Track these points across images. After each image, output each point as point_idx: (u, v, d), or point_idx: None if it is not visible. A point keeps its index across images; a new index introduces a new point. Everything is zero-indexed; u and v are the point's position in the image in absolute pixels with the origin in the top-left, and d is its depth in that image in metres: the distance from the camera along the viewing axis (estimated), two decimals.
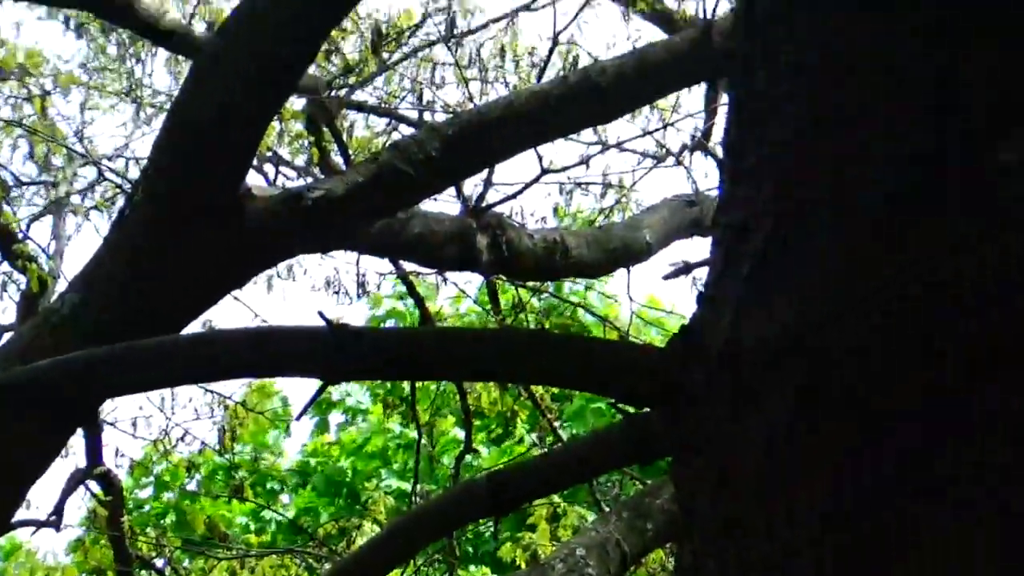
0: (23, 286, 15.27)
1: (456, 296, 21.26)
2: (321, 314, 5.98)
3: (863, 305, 5.63)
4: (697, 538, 6.20)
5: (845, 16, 5.81)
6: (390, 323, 25.91)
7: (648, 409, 6.68)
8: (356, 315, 24.83)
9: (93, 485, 14.60)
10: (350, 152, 15.08)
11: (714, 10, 14.52)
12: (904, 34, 5.66)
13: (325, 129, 15.15)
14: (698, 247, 16.94)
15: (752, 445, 5.81)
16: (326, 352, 6.38)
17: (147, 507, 24.67)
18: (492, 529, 21.25)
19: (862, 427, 5.49)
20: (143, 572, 15.87)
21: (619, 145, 16.90)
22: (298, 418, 17.64)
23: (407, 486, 22.82)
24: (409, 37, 16.23)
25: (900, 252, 5.60)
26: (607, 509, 16.16)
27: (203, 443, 20.82)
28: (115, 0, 16.11)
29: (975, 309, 5.35)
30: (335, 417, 28.90)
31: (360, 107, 16.24)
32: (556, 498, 18.59)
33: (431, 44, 16.42)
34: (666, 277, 17.84)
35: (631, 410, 7.00)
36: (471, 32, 16.34)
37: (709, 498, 6.01)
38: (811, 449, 5.62)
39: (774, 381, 5.73)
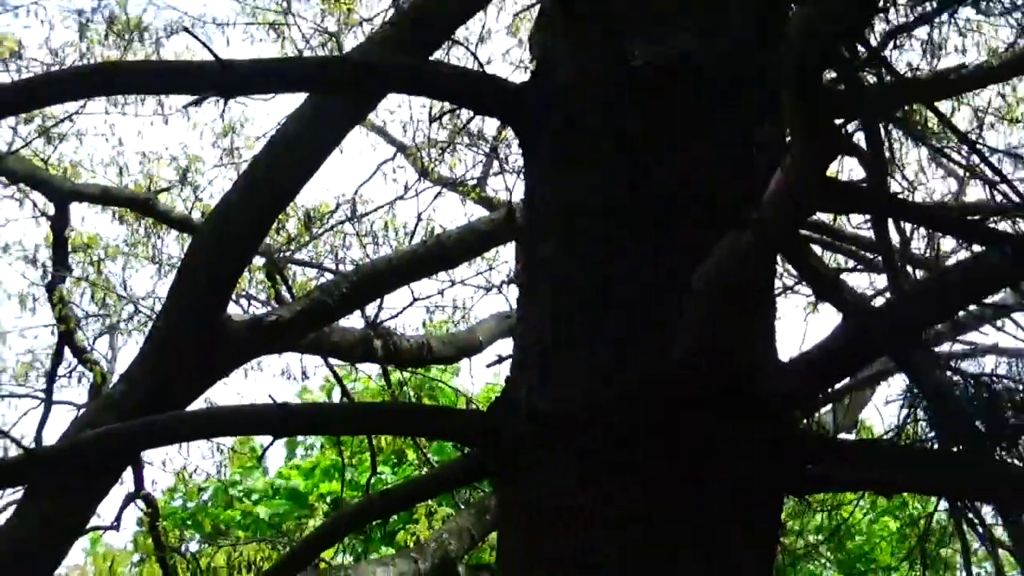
0: (91, 380, 15.20)
1: (364, 378, 20.87)
2: (271, 397, 6.60)
3: (606, 394, 6.05)
4: (508, 526, 6.65)
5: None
6: (324, 397, 25.05)
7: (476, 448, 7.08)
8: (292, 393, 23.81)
9: (139, 503, 14.30)
10: (293, 291, 15.03)
11: (511, 198, 14.91)
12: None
13: (277, 277, 15.24)
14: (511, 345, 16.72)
15: (542, 476, 6.20)
16: (274, 420, 6.85)
17: (175, 514, 23.86)
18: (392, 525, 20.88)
19: (613, 469, 5.97)
20: (175, 555, 15.47)
21: (462, 282, 17.06)
22: (260, 459, 17.61)
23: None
24: (327, 218, 16.39)
25: (630, 368, 6.09)
26: (462, 507, 16.19)
27: (207, 473, 20.62)
28: (144, 205, 16.25)
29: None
30: (300, 451, 27.80)
31: (298, 262, 16.13)
32: (432, 502, 17.96)
33: (342, 222, 16.50)
34: (489, 365, 18.30)
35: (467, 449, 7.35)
36: (366, 214, 16.42)
37: (513, 508, 6.44)
38: (582, 481, 6.05)
39: (557, 436, 6.18)
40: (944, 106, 12.83)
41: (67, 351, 15.34)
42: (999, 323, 14.41)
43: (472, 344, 15.96)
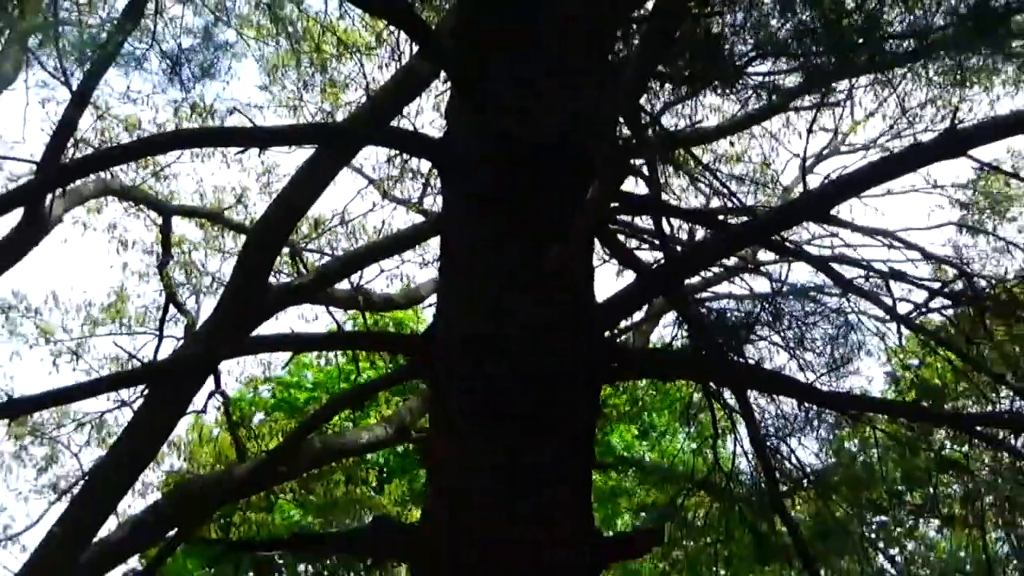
0: (185, 322, 14.90)
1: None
2: (290, 328, 6.45)
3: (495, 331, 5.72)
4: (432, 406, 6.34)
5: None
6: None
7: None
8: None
9: (218, 396, 14.10)
10: (306, 267, 14.70)
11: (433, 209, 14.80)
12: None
13: (297, 259, 15.04)
14: None
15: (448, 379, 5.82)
16: (288, 341, 6.63)
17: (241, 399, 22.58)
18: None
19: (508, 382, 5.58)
20: (239, 428, 15.31)
21: (409, 261, 17.16)
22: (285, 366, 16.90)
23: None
24: (327, 223, 16.42)
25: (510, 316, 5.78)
26: (410, 396, 15.79)
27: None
28: (216, 216, 16.59)
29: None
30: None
31: (309, 250, 15.69)
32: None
33: (335, 226, 16.25)
34: (425, 307, 17.90)
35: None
36: (350, 221, 16.06)
37: (436, 408, 6.06)
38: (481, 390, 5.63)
39: (465, 355, 5.87)
40: (697, 150, 13.03)
41: (171, 306, 15.19)
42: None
43: (417, 297, 15.49)
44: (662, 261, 7.72)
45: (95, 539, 11.26)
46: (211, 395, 13.97)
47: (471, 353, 5.79)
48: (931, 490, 12.66)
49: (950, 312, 8.87)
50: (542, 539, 5.33)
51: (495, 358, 5.71)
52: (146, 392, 11.46)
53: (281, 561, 20.92)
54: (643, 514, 15.84)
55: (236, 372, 25.17)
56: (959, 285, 8.73)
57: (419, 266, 16.74)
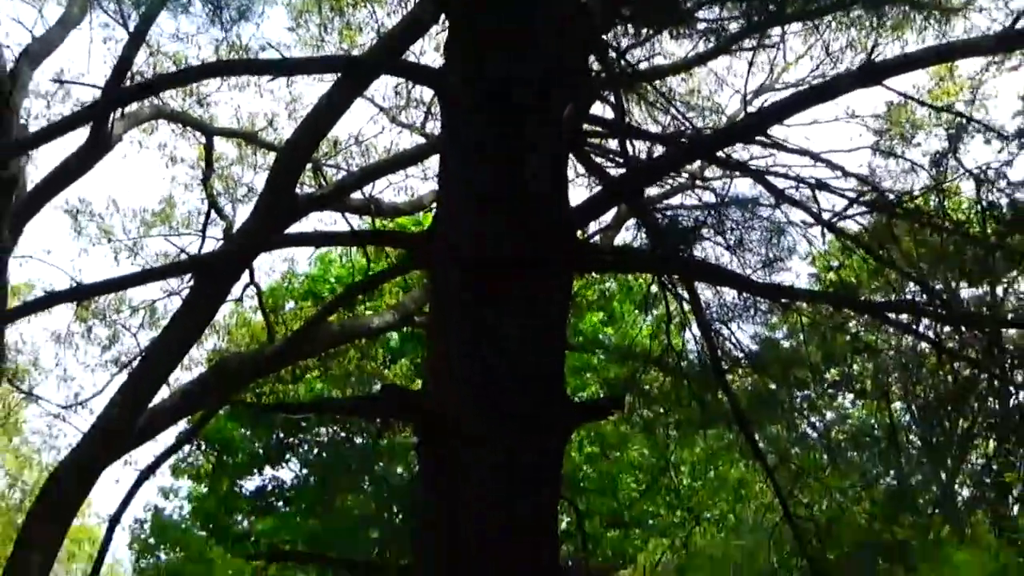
0: (224, 225, 15.14)
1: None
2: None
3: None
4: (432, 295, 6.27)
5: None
6: None
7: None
8: None
9: (252, 288, 14.55)
10: (327, 180, 14.80)
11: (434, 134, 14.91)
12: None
13: (319, 173, 15.11)
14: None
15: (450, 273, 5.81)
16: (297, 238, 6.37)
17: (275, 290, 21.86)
18: None
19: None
20: (272, 314, 15.54)
21: (414, 176, 16.88)
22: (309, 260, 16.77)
23: None
24: (345, 144, 16.25)
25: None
26: (413, 289, 16.33)
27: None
28: (250, 136, 16.46)
29: None
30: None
31: (330, 166, 15.56)
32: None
33: (351, 146, 16.21)
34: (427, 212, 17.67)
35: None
36: (364, 141, 16.20)
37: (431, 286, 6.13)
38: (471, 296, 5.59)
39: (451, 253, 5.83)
40: (656, 85, 12.85)
41: (212, 212, 15.18)
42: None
43: (420, 205, 15.37)
44: (626, 172, 7.71)
45: (149, 405, 11.34)
46: (247, 286, 13.96)
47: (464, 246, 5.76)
48: (846, 368, 12.88)
49: (866, 220, 8.89)
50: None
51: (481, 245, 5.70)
52: (191, 283, 11.38)
53: (305, 424, 21.17)
54: (606, 387, 16.04)
55: (267, 267, 25.04)
56: (873, 196, 8.73)
57: (421, 180, 16.51)
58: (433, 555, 5.09)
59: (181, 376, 17.92)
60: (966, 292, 13.68)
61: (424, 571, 5.14)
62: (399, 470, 18.34)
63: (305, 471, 21.97)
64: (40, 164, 16.78)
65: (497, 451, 5.12)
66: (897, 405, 17.96)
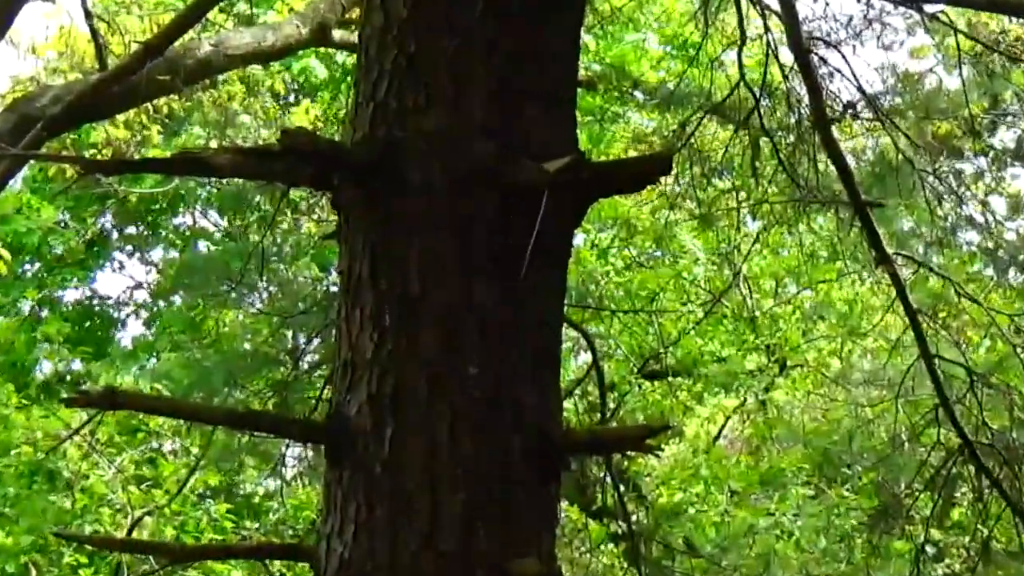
0: None
1: None
2: None
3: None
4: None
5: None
6: None
7: None
8: None
9: None
10: None
11: None
12: None
13: None
14: None
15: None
16: None
17: None
18: None
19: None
20: None
21: None
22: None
23: None
24: None
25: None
26: None
27: None
28: None
29: None
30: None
31: None
32: None
33: None
34: None
35: None
36: None
37: None
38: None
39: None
40: None
41: None
42: None
43: None
44: None
45: None
46: None
47: None
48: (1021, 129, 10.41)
49: None
50: None
51: None
52: None
53: (160, 205, 18.68)
54: (639, 146, 13.35)
55: None
56: None
57: None
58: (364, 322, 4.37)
59: None
60: None
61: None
62: (305, 273, 14.05)
63: (159, 275, 18.73)
64: None
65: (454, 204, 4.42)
66: None
